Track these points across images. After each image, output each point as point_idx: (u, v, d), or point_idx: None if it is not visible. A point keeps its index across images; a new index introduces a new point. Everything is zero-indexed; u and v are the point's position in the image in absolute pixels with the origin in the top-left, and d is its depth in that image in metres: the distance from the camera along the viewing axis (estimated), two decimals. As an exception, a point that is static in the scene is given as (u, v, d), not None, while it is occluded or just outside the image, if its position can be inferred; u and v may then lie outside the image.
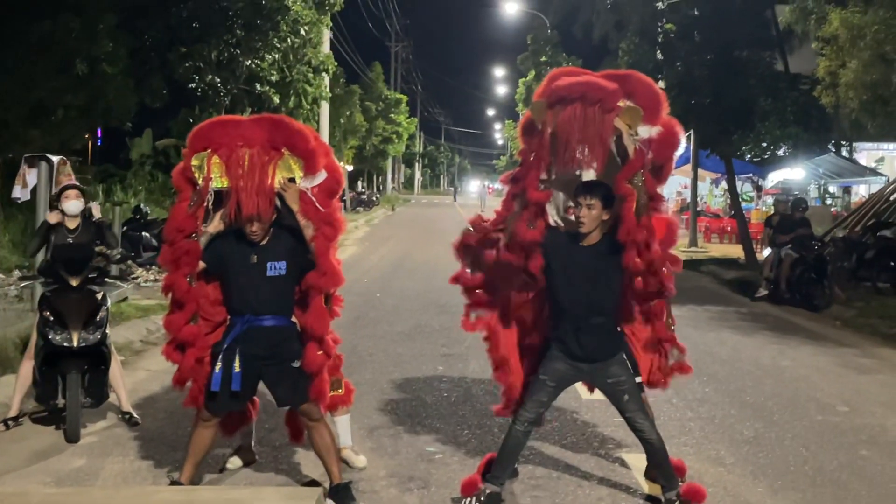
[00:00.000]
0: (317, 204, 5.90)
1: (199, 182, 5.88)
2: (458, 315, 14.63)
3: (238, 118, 6.27)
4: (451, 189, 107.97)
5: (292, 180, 5.88)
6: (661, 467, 6.14)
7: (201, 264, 5.94)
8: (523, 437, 6.15)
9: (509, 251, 6.14)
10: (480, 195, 73.93)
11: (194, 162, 5.89)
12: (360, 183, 64.92)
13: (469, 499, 6.05)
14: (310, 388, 5.97)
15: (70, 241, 7.87)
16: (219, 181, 5.85)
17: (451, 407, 8.81)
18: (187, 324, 6.02)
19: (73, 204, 7.88)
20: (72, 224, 7.92)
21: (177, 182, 6.08)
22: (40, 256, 8.41)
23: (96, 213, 8.08)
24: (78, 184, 8.11)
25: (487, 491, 6.05)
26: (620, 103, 5.84)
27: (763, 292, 17.27)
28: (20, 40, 19.05)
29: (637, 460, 6.82)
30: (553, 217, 6.36)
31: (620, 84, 6.03)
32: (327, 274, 5.92)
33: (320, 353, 6.00)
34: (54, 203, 8.01)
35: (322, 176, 5.97)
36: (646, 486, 6.50)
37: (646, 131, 5.98)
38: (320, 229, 5.88)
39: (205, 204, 5.93)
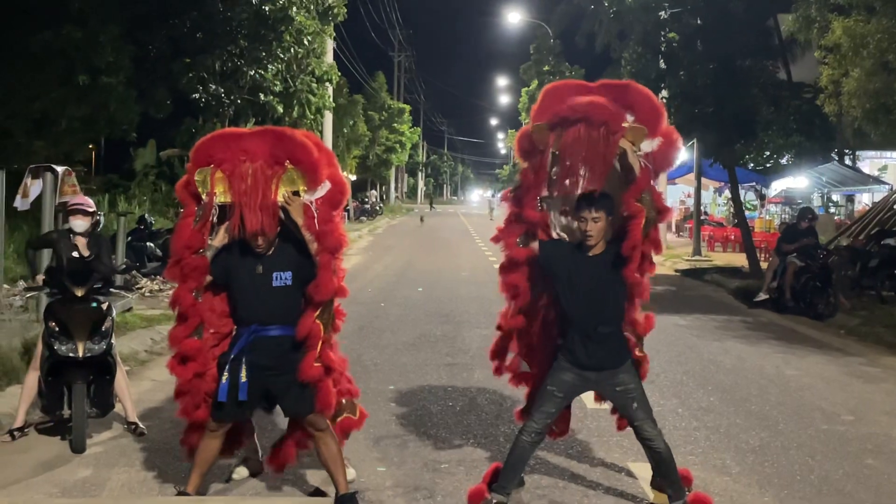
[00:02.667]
0: (316, 220, 5.88)
1: (203, 196, 5.89)
2: (462, 324, 14.71)
3: (240, 131, 6.23)
4: (428, 198, 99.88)
5: (297, 193, 5.88)
6: (668, 477, 6.13)
7: (208, 277, 5.95)
8: (530, 448, 6.15)
9: (504, 270, 6.25)
10: (490, 205, 74.73)
11: (197, 177, 5.89)
12: (373, 193, 64.96)
13: None
14: (316, 398, 5.96)
15: (76, 253, 7.92)
16: (222, 196, 5.85)
17: (457, 416, 8.81)
18: (188, 337, 6.03)
19: (79, 223, 8.05)
20: (80, 239, 7.99)
21: (180, 196, 6.08)
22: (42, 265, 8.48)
23: (83, 249, 8.11)
24: (85, 205, 8.12)
25: (494, 501, 6.05)
26: (625, 123, 5.88)
27: (762, 296, 17.27)
28: (22, 51, 19.10)
29: (643, 470, 6.81)
30: (555, 230, 6.40)
31: (619, 95, 6.07)
32: (319, 286, 5.89)
33: (317, 364, 5.97)
34: (62, 215, 8.15)
35: (326, 187, 5.96)
36: (652, 496, 6.49)
37: (648, 145, 6.02)
38: (323, 243, 5.88)
39: (210, 219, 5.93)
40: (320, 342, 5.94)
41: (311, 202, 5.89)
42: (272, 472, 6.56)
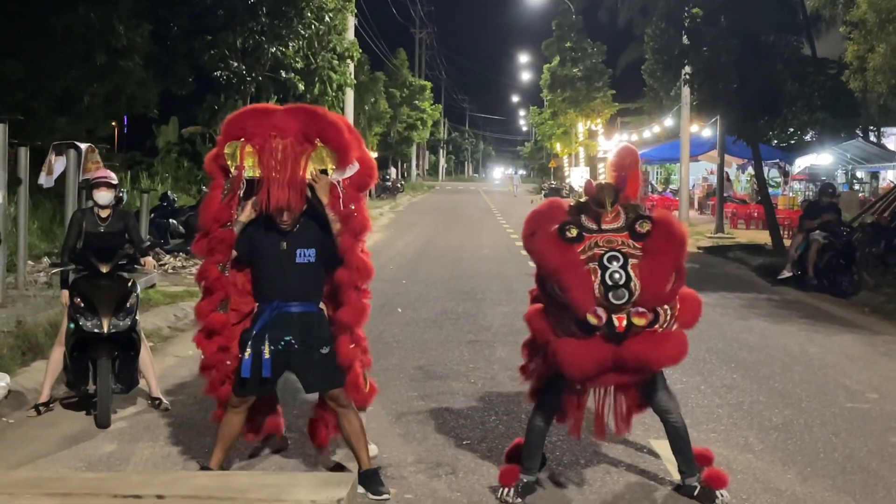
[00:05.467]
0: (342, 201, 5.88)
1: (232, 170, 5.91)
2: (484, 301, 14.72)
3: (272, 108, 6.23)
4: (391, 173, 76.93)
5: (325, 171, 5.88)
6: (682, 453, 6.12)
7: (234, 252, 5.98)
8: (545, 426, 6.15)
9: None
10: (512, 181, 77.81)
11: (227, 150, 5.91)
12: (393, 170, 64.97)
13: (506, 489, 6.06)
14: (343, 378, 6.00)
15: (101, 229, 7.96)
16: (251, 170, 5.87)
17: (479, 393, 8.82)
18: (213, 311, 6.07)
19: (103, 195, 7.99)
20: (104, 213, 8.02)
21: (209, 168, 6.12)
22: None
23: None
24: (109, 178, 8.14)
25: (525, 481, 6.06)
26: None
27: (786, 274, 17.17)
28: (43, 31, 19.20)
29: (664, 447, 6.79)
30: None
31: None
32: (358, 269, 5.93)
33: (353, 346, 6.02)
34: (86, 191, 8.15)
35: (354, 168, 5.96)
36: (675, 473, 6.49)
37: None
38: (347, 225, 5.89)
39: (238, 193, 5.95)
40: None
41: (339, 182, 5.90)
42: (315, 449, 6.62)
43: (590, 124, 66.71)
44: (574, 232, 5.74)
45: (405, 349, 10.81)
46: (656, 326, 5.68)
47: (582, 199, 6.01)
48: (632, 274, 5.62)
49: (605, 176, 6.41)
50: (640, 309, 5.62)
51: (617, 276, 5.60)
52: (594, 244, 5.72)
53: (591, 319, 5.56)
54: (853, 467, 6.87)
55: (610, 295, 5.57)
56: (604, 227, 5.80)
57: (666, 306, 5.74)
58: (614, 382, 5.98)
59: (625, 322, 5.58)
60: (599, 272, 5.62)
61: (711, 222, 30.60)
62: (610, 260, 5.65)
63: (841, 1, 18.99)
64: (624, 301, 5.58)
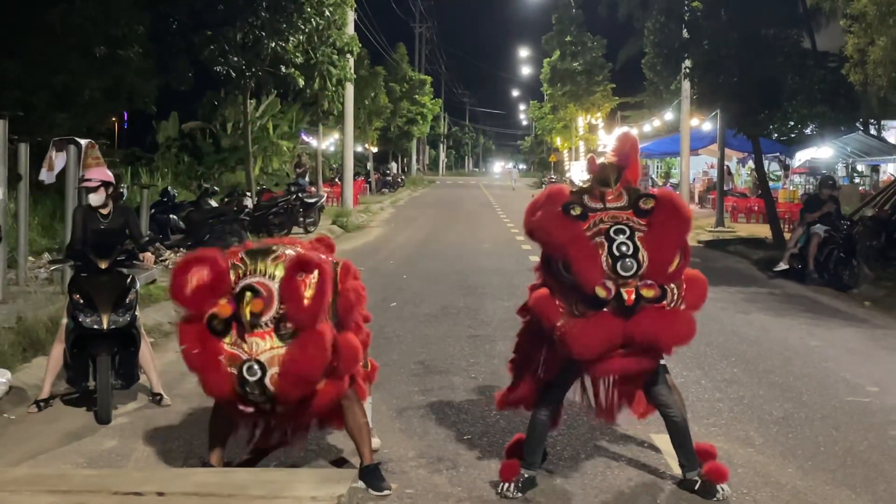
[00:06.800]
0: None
1: None
2: (485, 296, 14.70)
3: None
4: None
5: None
6: (682, 446, 6.12)
7: None
8: (548, 421, 6.15)
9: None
10: (512, 176, 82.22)
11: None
12: (393, 165, 64.89)
13: (507, 484, 6.06)
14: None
15: (102, 226, 7.98)
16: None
17: (479, 387, 8.82)
18: None
19: (92, 197, 8.09)
20: (104, 210, 8.03)
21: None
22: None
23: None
24: (90, 182, 8.09)
25: (526, 475, 6.06)
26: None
27: (782, 266, 17.16)
28: (41, 25, 19.21)
29: (665, 441, 6.79)
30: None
31: None
32: None
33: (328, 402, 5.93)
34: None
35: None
36: (675, 467, 6.48)
37: None
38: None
39: None
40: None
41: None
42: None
43: (590, 118, 66.65)
44: (578, 210, 5.74)
45: (406, 344, 10.81)
46: (664, 302, 5.67)
47: (585, 185, 6.02)
48: (639, 245, 5.62)
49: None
50: (649, 281, 5.62)
51: (624, 247, 5.60)
52: (599, 221, 5.72)
53: (600, 292, 5.55)
54: (853, 461, 6.87)
55: (618, 266, 5.57)
56: (608, 205, 5.80)
57: (672, 285, 5.73)
58: (620, 369, 5.93)
59: (633, 295, 5.57)
60: (606, 244, 5.62)
61: (712, 216, 30.58)
62: (617, 232, 5.65)
63: (841, -7, 18.97)
64: (632, 272, 5.57)
